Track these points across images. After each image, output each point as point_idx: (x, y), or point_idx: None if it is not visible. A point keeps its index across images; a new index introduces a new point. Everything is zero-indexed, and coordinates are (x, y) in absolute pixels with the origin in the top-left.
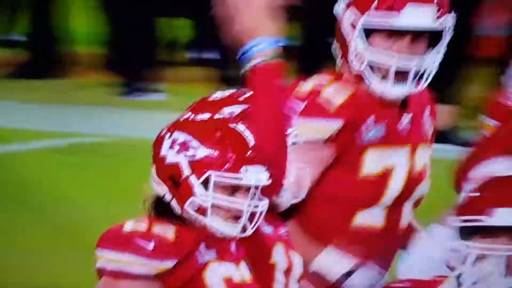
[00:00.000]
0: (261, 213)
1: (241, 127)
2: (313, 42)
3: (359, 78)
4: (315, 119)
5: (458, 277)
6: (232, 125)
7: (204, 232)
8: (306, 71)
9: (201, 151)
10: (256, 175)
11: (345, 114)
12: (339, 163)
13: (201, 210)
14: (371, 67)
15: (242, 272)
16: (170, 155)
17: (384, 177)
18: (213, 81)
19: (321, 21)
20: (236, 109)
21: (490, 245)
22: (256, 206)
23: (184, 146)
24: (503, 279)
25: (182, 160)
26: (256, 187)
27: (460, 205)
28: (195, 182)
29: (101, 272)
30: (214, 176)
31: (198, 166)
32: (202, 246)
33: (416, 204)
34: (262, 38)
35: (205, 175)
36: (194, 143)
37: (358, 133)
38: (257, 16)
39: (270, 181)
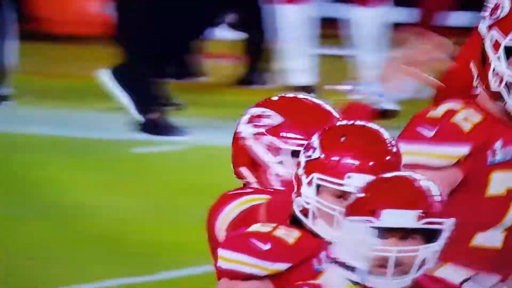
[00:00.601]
0: None
1: (385, 136)
2: None
3: (495, 97)
4: (444, 144)
5: None
6: (371, 132)
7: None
8: None
9: (317, 153)
10: (360, 183)
11: (474, 140)
12: (464, 184)
13: (304, 211)
14: (509, 87)
15: None
16: (301, 154)
17: (508, 197)
18: None
19: None
20: None
21: (381, 247)
22: None
23: (308, 147)
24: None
25: (302, 160)
26: None
27: (348, 205)
28: (304, 182)
29: (219, 272)
30: (317, 178)
31: (309, 167)
32: (322, 254)
33: None
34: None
35: (310, 176)
36: (316, 144)
37: (485, 156)
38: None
39: None
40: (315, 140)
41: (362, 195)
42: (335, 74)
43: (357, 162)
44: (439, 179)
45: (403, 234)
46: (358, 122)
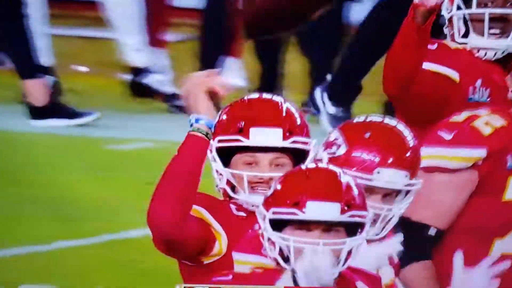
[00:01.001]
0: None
1: (400, 127)
2: None
3: None
4: (461, 147)
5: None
6: (390, 128)
7: None
8: None
9: (342, 149)
10: (389, 178)
11: (492, 143)
12: (481, 188)
13: None
14: None
15: None
16: (320, 151)
17: None
18: None
19: None
20: None
21: (304, 238)
22: (389, 210)
23: (331, 144)
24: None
25: (325, 157)
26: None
27: (267, 197)
28: None
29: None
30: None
31: (334, 163)
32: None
33: None
34: (200, 116)
35: None
36: (340, 141)
37: (504, 161)
38: (199, 99)
39: (407, 186)
40: (337, 137)
41: (281, 187)
42: (75, 55)
43: (386, 157)
44: (456, 182)
45: (327, 226)
46: (375, 118)
